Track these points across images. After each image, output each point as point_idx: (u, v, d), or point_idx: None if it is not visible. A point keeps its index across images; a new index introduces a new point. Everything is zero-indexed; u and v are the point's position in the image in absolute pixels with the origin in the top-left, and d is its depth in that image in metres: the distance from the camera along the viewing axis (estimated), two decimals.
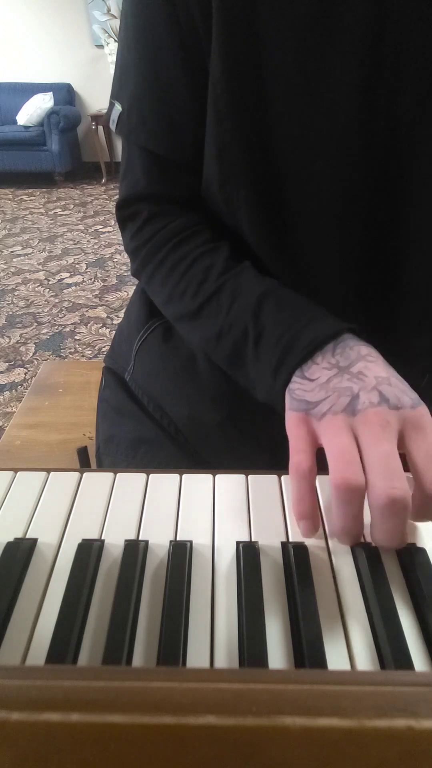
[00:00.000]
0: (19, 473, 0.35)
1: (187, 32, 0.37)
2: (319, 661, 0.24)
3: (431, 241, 0.40)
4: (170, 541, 0.30)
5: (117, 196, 0.51)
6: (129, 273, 2.65)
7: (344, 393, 0.31)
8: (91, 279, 2.63)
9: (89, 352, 1.96)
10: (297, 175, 0.39)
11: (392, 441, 0.29)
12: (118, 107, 0.44)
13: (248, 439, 0.49)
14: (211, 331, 0.41)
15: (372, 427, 0.29)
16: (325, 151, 0.37)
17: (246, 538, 0.30)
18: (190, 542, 0.29)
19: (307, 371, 0.34)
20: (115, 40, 3.60)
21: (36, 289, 2.53)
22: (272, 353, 0.36)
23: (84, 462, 0.63)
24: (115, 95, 0.45)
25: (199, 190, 0.45)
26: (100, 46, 4.03)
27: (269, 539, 0.30)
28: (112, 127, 0.45)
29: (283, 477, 0.35)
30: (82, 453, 0.62)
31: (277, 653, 0.24)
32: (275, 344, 0.36)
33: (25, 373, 1.82)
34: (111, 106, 0.45)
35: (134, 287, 0.62)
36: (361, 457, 0.29)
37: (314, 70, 0.35)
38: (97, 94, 4.49)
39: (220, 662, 0.24)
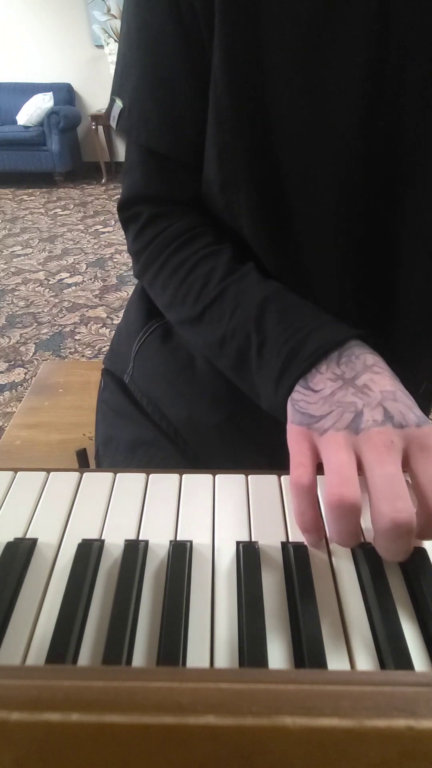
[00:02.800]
0: (19, 473, 0.35)
1: (189, 29, 0.37)
2: (319, 661, 0.24)
3: (431, 245, 0.40)
4: (170, 541, 0.30)
5: (117, 196, 0.50)
6: (129, 273, 2.65)
7: (348, 409, 0.30)
8: (91, 279, 2.63)
9: (89, 352, 1.96)
10: (298, 176, 0.39)
11: (397, 462, 0.28)
12: (119, 104, 0.43)
13: (247, 441, 0.49)
14: (214, 337, 0.40)
15: (375, 447, 0.28)
16: (327, 153, 0.37)
17: (246, 538, 0.30)
18: (190, 542, 0.29)
19: (311, 381, 0.32)
20: (115, 40, 3.60)
21: (36, 289, 2.53)
22: (275, 362, 0.35)
23: (83, 464, 0.63)
24: (116, 91, 0.44)
25: (201, 191, 0.45)
26: (100, 46, 4.03)
27: (269, 539, 0.30)
28: (113, 124, 0.44)
29: (283, 477, 0.35)
30: (81, 455, 0.62)
31: (277, 653, 0.24)
32: (278, 352, 0.35)
33: (25, 373, 1.82)
34: (112, 102, 0.45)
35: (134, 287, 0.62)
36: (363, 477, 0.28)
37: (316, 72, 0.34)
38: (97, 94, 4.48)
39: (220, 662, 0.24)
